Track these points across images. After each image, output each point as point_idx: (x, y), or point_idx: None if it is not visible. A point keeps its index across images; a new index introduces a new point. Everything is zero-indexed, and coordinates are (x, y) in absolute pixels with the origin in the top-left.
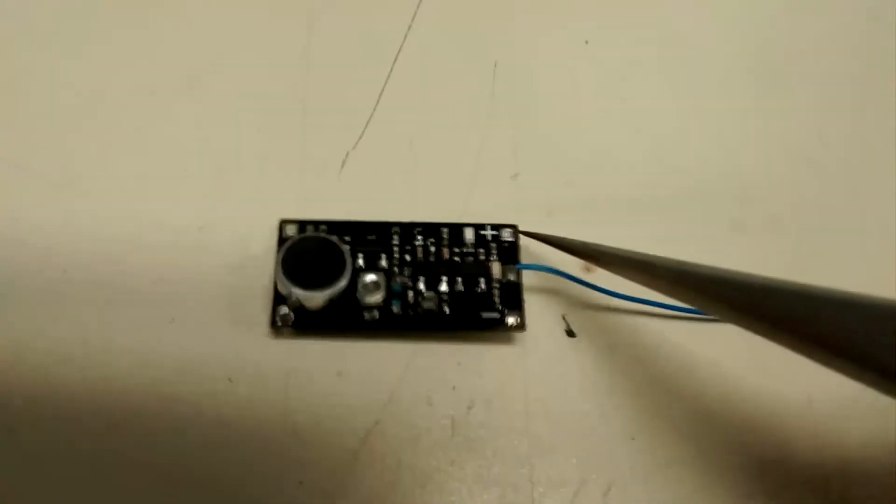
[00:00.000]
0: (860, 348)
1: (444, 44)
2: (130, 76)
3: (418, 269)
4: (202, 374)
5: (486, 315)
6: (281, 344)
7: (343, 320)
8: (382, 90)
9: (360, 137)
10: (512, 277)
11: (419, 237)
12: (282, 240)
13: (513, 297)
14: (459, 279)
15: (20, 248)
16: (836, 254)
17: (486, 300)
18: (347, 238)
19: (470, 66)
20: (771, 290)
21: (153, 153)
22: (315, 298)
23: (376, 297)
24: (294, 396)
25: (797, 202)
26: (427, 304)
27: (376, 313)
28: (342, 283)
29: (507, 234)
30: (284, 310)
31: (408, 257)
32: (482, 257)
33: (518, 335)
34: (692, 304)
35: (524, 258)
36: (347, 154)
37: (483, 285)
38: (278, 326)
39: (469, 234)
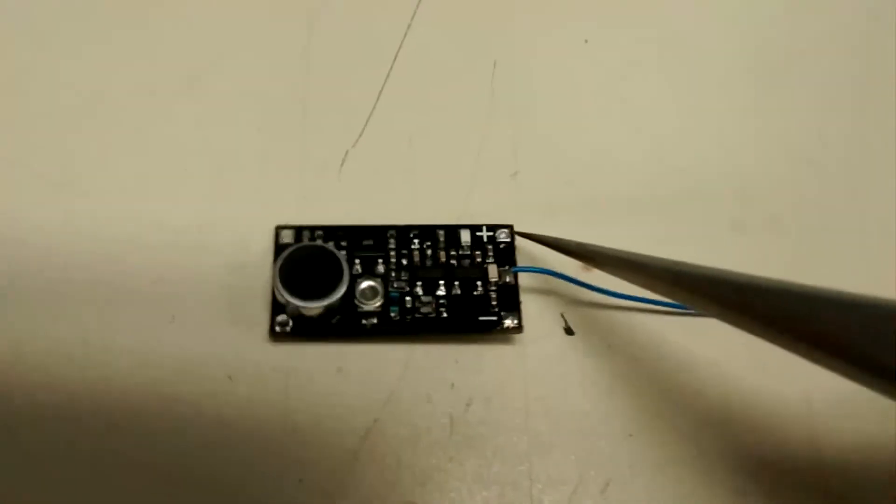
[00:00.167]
0: (858, 349)
1: (443, 43)
2: (130, 76)
3: (415, 273)
4: (202, 373)
5: (483, 318)
6: (280, 344)
7: (341, 327)
8: (382, 89)
9: (360, 136)
10: (509, 279)
11: (415, 241)
12: (278, 246)
13: (510, 300)
14: (457, 283)
15: (20, 248)
16: (836, 254)
17: (483, 303)
18: (344, 243)
19: (469, 65)
20: (767, 290)
21: (153, 153)
22: (313, 308)
23: (374, 304)
24: (294, 395)
25: (797, 202)
26: (425, 309)
27: (374, 319)
28: (339, 292)
29: (503, 236)
30: (283, 317)
31: (404, 261)
32: (479, 259)
33: (516, 334)
34: (688, 305)
35: (521, 259)
36: (347, 153)
37: (480, 288)
38: (277, 333)
39: (465, 237)
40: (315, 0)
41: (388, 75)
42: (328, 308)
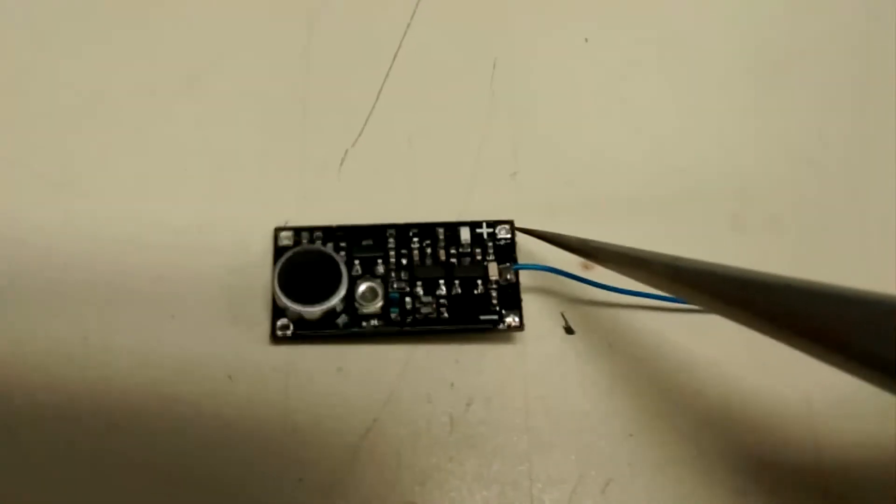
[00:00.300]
0: (860, 343)
1: (443, 42)
2: (130, 76)
3: (415, 273)
4: (202, 373)
5: (484, 317)
6: (281, 345)
7: (342, 329)
8: (381, 88)
9: (360, 136)
10: (510, 277)
11: (415, 239)
12: (277, 249)
13: (511, 298)
14: (457, 282)
15: (20, 247)
16: (836, 253)
17: (484, 302)
18: (343, 244)
19: (469, 64)
20: (769, 285)
21: (153, 153)
22: (313, 312)
23: (374, 306)
24: (294, 395)
25: (797, 202)
26: (425, 310)
27: (375, 321)
28: (339, 296)
29: (503, 232)
30: (284, 321)
31: (404, 261)
32: (479, 257)
33: (517, 333)
34: (689, 300)
35: (521, 257)
36: (346, 152)
37: (481, 287)
38: (279, 338)
39: (465, 234)
40: (315, 0)
41: (387, 75)
42: (328, 311)
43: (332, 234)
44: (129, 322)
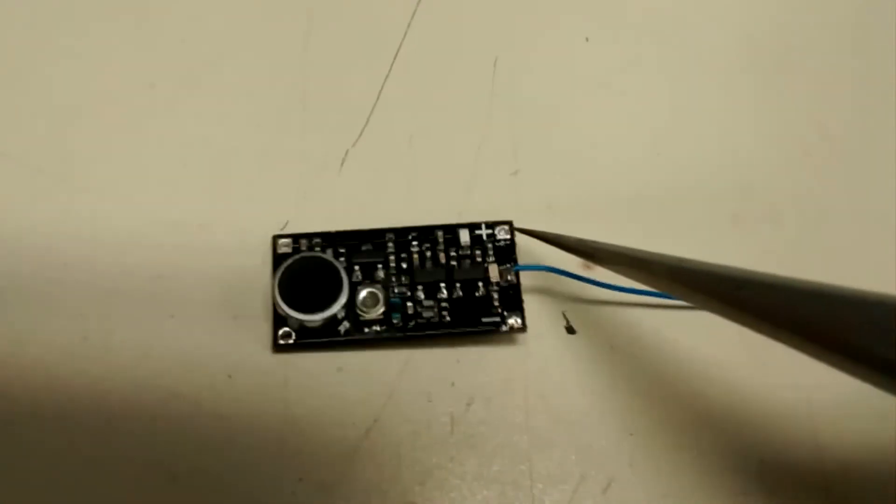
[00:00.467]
0: (861, 344)
1: (443, 41)
2: (130, 72)
3: (416, 277)
4: (202, 371)
5: (486, 320)
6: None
7: (344, 335)
8: (382, 88)
9: (360, 135)
10: (510, 279)
11: (414, 243)
12: (276, 256)
13: (512, 300)
14: (458, 284)
15: (20, 244)
16: (836, 248)
17: (485, 304)
18: (342, 250)
19: (470, 63)
20: (769, 286)
21: (153, 149)
22: (314, 321)
23: (376, 312)
24: (294, 394)
25: (797, 196)
26: (427, 314)
27: (377, 327)
28: (340, 303)
29: (502, 233)
30: (286, 329)
31: (404, 265)
32: (479, 259)
33: (518, 334)
34: (690, 302)
35: (521, 257)
36: (347, 152)
37: (482, 289)
38: (281, 346)
39: (465, 237)
40: None
41: (388, 74)
42: (330, 319)
43: (331, 239)
44: (128, 321)
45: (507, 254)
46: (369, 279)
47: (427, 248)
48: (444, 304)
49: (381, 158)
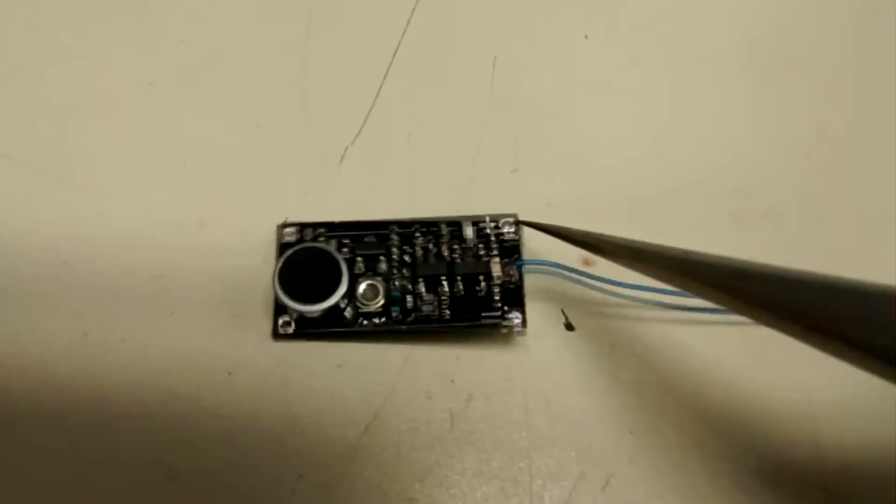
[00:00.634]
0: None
1: (443, 38)
2: (129, 71)
3: (418, 271)
4: (202, 369)
5: (486, 315)
6: (281, 341)
7: (342, 327)
8: (381, 85)
9: (360, 132)
10: (513, 274)
11: (418, 235)
12: (280, 245)
13: (514, 296)
14: (459, 279)
15: (20, 242)
16: (836, 248)
17: (486, 301)
18: (346, 241)
19: (469, 61)
20: (779, 278)
21: (153, 147)
22: (313, 311)
23: (375, 304)
24: (294, 391)
25: (796, 196)
26: (427, 308)
27: (376, 320)
28: (339, 294)
29: (507, 227)
30: (285, 318)
31: (407, 258)
32: (482, 253)
33: (520, 332)
34: (696, 294)
35: (524, 254)
36: (346, 149)
37: (484, 285)
38: (280, 335)
39: (469, 231)
40: None
41: (387, 71)
42: (329, 309)
43: (336, 230)
44: (128, 318)
45: (511, 250)
46: (371, 271)
47: (430, 242)
48: (444, 299)
49: (380, 156)
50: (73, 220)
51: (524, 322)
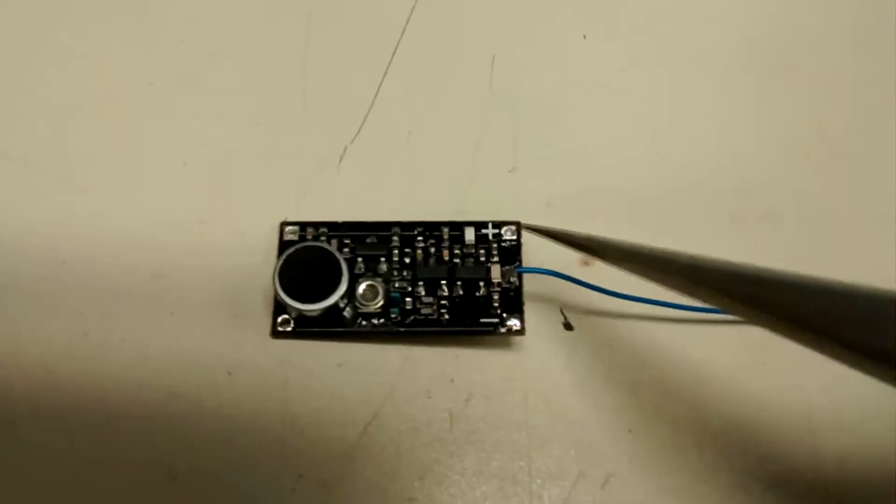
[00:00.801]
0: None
1: (442, 38)
2: (129, 71)
3: (418, 273)
4: (202, 369)
5: (485, 320)
6: (281, 340)
7: (341, 327)
8: (380, 85)
9: (359, 132)
10: (513, 280)
11: (419, 238)
12: (282, 243)
13: (513, 301)
14: (459, 283)
15: (20, 242)
16: (835, 248)
17: (485, 305)
18: (347, 241)
19: (468, 60)
20: (784, 283)
21: (153, 147)
22: (313, 310)
23: (374, 305)
24: (293, 390)
25: (796, 196)
26: (426, 310)
27: (375, 320)
28: (338, 293)
29: (508, 233)
30: (285, 317)
31: (407, 259)
32: (483, 258)
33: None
34: (701, 300)
35: (524, 258)
36: (345, 148)
37: (483, 289)
38: (279, 332)
39: (469, 235)
40: None
41: (386, 71)
42: (328, 308)
43: (337, 229)
44: (128, 318)
45: (511, 255)
46: (372, 272)
47: (431, 245)
48: (443, 302)
49: (379, 155)
50: (73, 220)
51: (523, 329)
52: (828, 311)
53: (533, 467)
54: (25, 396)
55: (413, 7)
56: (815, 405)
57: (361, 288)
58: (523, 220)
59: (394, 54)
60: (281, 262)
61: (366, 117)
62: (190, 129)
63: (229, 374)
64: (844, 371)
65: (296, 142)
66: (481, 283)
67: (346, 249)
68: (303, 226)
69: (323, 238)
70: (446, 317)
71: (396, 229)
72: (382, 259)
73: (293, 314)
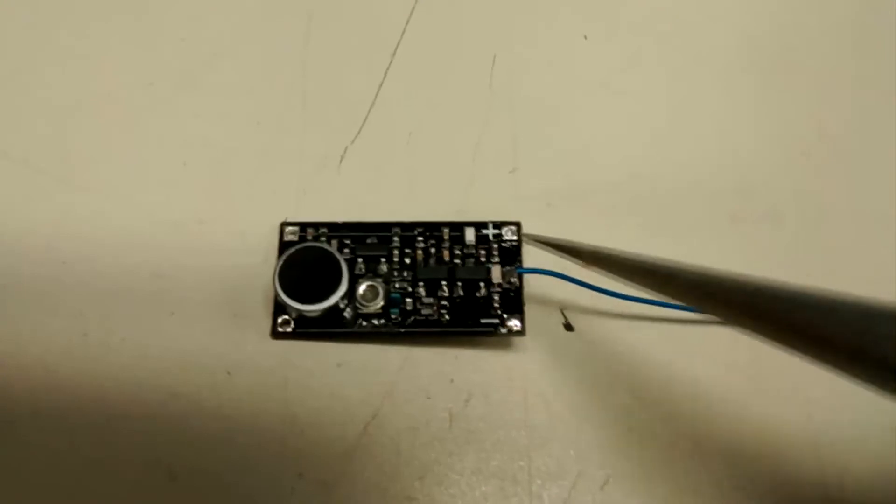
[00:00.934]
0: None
1: (442, 38)
2: (129, 71)
3: (418, 274)
4: (201, 368)
5: (485, 321)
6: (281, 340)
7: (341, 327)
8: (381, 85)
9: (359, 132)
10: (513, 280)
11: (420, 238)
12: (282, 244)
13: (513, 302)
14: (459, 283)
15: (20, 242)
16: (835, 247)
17: (486, 305)
18: (347, 241)
19: (468, 60)
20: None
21: (153, 147)
22: (313, 311)
23: (375, 305)
24: (293, 390)
25: (796, 196)
26: (426, 311)
27: (375, 321)
28: (338, 294)
29: (509, 234)
30: (285, 317)
31: (407, 260)
32: (483, 258)
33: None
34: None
35: (525, 258)
36: (346, 149)
37: (483, 290)
38: (279, 333)
39: (470, 235)
40: None
41: (387, 71)
42: (329, 309)
43: (338, 230)
44: (128, 318)
45: (511, 255)
46: (372, 272)
47: (431, 245)
48: (444, 303)
49: (380, 155)
50: (73, 220)
51: (523, 329)
52: (826, 322)
53: (533, 467)
54: (25, 396)
55: (413, 7)
56: (815, 403)
57: (362, 288)
58: (523, 219)
59: (394, 54)
60: (281, 262)
61: (366, 117)
62: (190, 129)
63: (229, 373)
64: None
65: (296, 142)
66: (481, 284)
67: (346, 250)
68: (303, 226)
69: (323, 238)
70: (446, 317)
71: (397, 230)
72: (383, 259)
73: (293, 315)
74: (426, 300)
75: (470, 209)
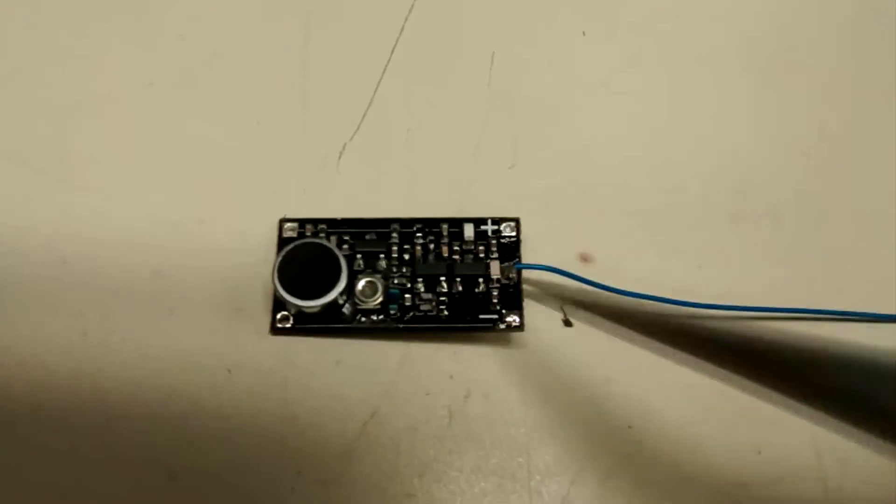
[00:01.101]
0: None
1: (441, 35)
2: (129, 71)
3: (417, 270)
4: (201, 366)
5: (484, 317)
6: (280, 337)
7: (340, 323)
8: (379, 82)
9: (358, 129)
10: (512, 276)
11: (418, 234)
12: (281, 240)
13: (512, 298)
14: (458, 279)
15: (20, 242)
16: (835, 248)
17: (485, 301)
18: (346, 238)
19: (467, 57)
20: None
21: (152, 146)
22: (312, 307)
23: (373, 301)
24: (293, 388)
25: (796, 196)
26: (425, 307)
27: (374, 317)
28: (337, 290)
29: (508, 230)
30: (284, 313)
31: (406, 256)
32: (482, 254)
33: (517, 332)
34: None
35: (524, 254)
36: (345, 146)
37: (482, 285)
38: (279, 329)
39: (469, 231)
40: None
41: (385, 68)
42: (328, 305)
43: (337, 226)
44: (128, 318)
45: (510, 251)
46: (371, 268)
47: (430, 241)
48: (442, 299)
49: (378, 152)
50: (73, 220)
51: (522, 325)
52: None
53: (532, 464)
54: (25, 396)
55: (412, 5)
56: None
57: (360, 284)
58: (523, 217)
59: (392, 52)
60: (280, 258)
61: (365, 115)
62: (190, 129)
63: (229, 371)
64: None
65: (295, 141)
66: (480, 280)
67: (345, 246)
68: (302, 222)
69: (322, 234)
70: (445, 313)
71: (396, 226)
72: (381, 255)
73: (292, 311)
74: (425, 296)
75: (469, 207)
